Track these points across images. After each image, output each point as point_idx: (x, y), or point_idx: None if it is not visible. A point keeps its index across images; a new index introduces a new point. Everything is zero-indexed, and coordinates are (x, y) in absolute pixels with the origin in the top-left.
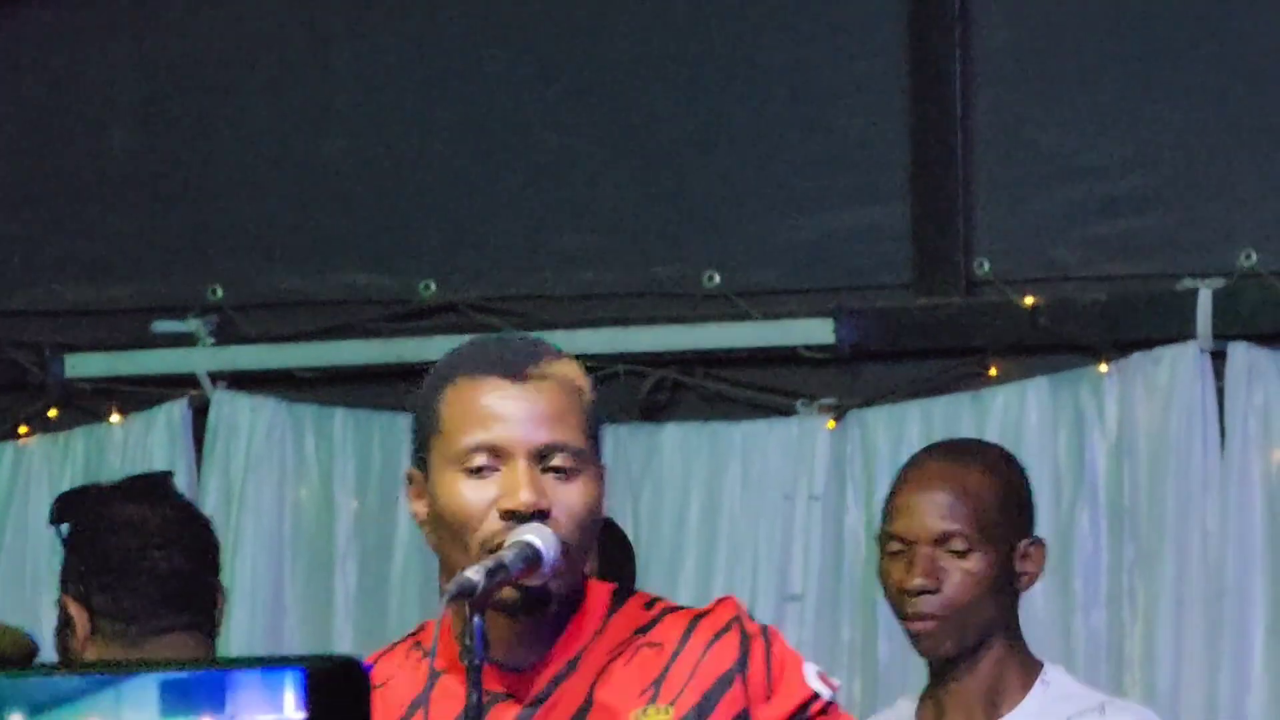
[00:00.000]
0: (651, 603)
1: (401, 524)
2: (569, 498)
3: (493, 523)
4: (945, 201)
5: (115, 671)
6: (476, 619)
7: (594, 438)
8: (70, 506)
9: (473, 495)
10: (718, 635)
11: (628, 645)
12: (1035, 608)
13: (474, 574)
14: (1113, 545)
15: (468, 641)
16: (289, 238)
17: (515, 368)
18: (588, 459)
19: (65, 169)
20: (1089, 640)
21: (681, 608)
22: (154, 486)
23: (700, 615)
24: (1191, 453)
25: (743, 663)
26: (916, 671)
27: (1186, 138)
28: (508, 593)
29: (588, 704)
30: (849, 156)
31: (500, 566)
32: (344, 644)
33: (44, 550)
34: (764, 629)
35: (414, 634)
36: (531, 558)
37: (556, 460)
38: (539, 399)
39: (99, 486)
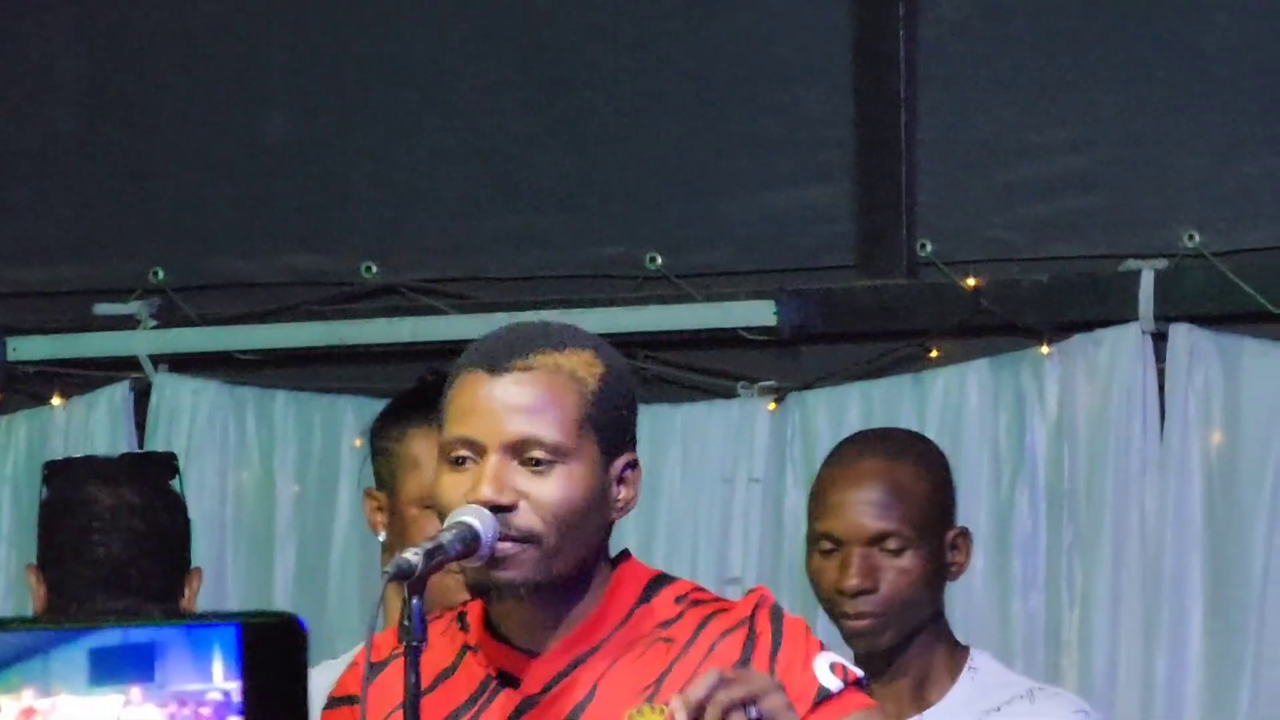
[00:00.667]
0: (683, 596)
1: (341, 508)
2: (541, 491)
3: None
4: (888, 183)
5: (47, 628)
6: (415, 600)
7: (597, 427)
8: (49, 477)
9: (451, 487)
10: (726, 632)
11: (649, 639)
12: (973, 590)
13: (412, 555)
14: (1051, 527)
15: (405, 623)
16: (230, 220)
17: (497, 360)
18: (572, 452)
19: (5, 150)
20: (1027, 622)
21: (707, 601)
22: (135, 467)
23: (719, 610)
24: (1131, 435)
25: (745, 660)
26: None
27: (1130, 119)
28: (466, 576)
29: (590, 697)
30: (792, 137)
31: (438, 547)
32: None
33: None
34: (777, 625)
35: (463, 606)
36: (469, 539)
37: (531, 453)
38: (515, 391)
39: (87, 460)
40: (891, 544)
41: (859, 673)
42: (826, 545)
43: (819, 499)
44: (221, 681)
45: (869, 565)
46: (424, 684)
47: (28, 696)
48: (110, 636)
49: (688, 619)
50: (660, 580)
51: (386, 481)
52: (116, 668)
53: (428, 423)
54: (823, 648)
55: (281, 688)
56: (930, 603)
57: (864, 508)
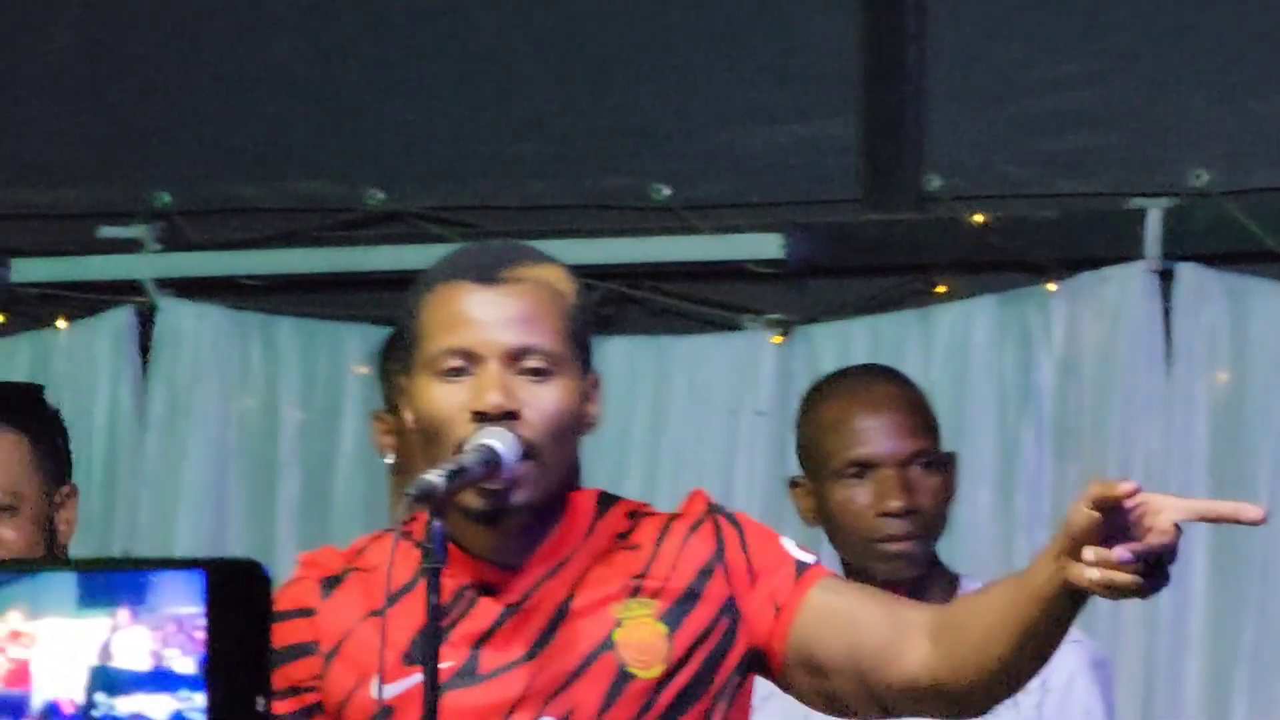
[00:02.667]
0: (634, 511)
1: (346, 434)
2: (541, 399)
3: (464, 425)
4: (896, 116)
5: (28, 570)
6: (437, 522)
7: (578, 343)
8: None
9: (445, 399)
10: (693, 528)
11: (610, 548)
12: (978, 526)
13: (434, 477)
14: (1056, 464)
15: (428, 545)
16: (237, 145)
17: (488, 272)
18: (565, 362)
19: (8, 70)
20: (1032, 558)
21: (658, 513)
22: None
23: (673, 516)
24: (1137, 373)
25: (720, 553)
26: None
27: (1140, 56)
28: (473, 501)
29: (566, 605)
30: (800, 69)
31: (460, 469)
32: (287, 552)
33: None
34: (733, 516)
35: (406, 523)
36: (491, 460)
37: (529, 362)
38: (511, 302)
39: None
40: (924, 461)
41: (814, 554)
42: (853, 471)
43: (840, 428)
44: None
45: (908, 484)
46: (379, 604)
47: (14, 619)
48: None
49: (645, 528)
50: (607, 496)
51: (396, 404)
52: (105, 591)
53: None
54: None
55: (246, 631)
56: (945, 526)
57: (896, 428)
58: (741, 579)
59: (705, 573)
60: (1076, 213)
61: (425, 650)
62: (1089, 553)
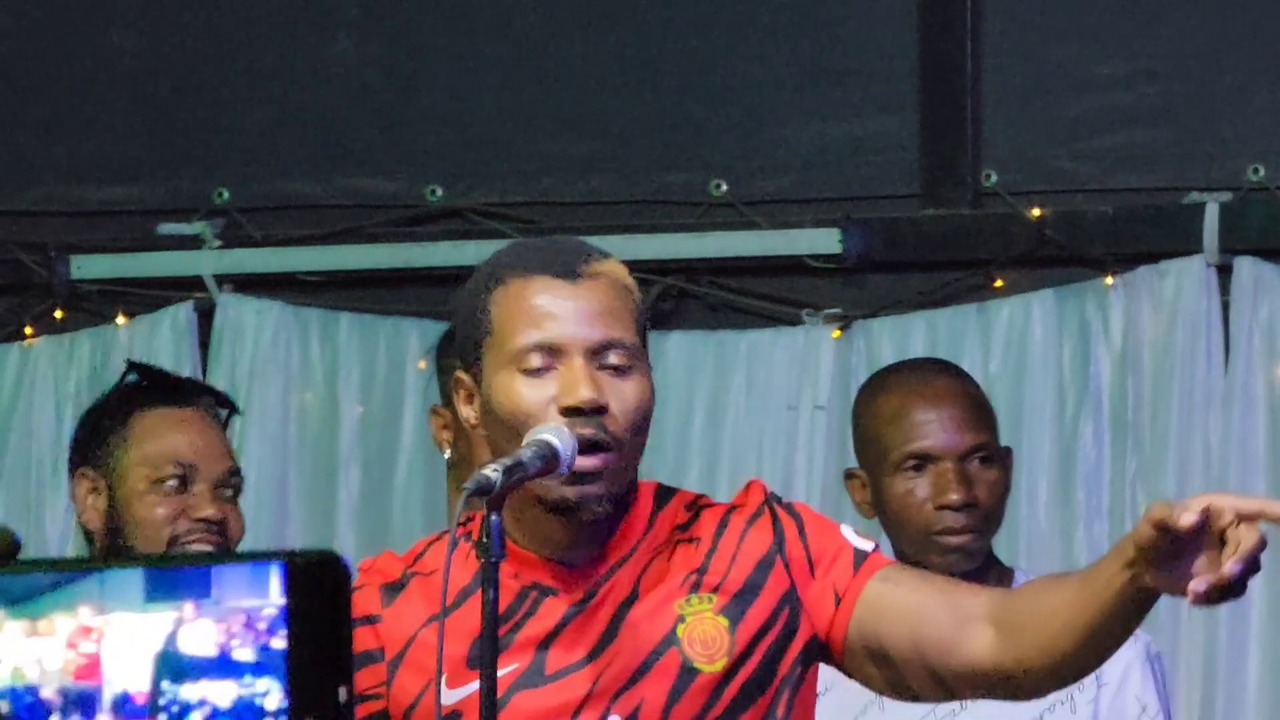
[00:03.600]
0: (692, 502)
1: (406, 430)
2: (624, 394)
3: (554, 420)
4: (954, 112)
5: (97, 567)
6: (494, 517)
7: (643, 337)
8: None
9: (531, 394)
10: (750, 521)
11: (669, 542)
12: (1038, 519)
13: (492, 472)
14: (1115, 458)
15: (484, 539)
16: (296, 141)
17: (567, 267)
18: (640, 357)
19: (72, 68)
20: (1090, 552)
21: (718, 504)
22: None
23: (731, 507)
24: (1195, 366)
25: (779, 544)
26: None
27: (1197, 51)
28: (549, 490)
29: (632, 597)
30: (858, 65)
31: (518, 464)
32: (347, 549)
33: (48, 451)
34: (791, 506)
35: (462, 524)
36: (549, 456)
37: (612, 358)
38: (593, 297)
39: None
40: (982, 455)
41: (873, 541)
42: (912, 464)
43: (899, 421)
44: (277, 598)
45: (967, 478)
46: (448, 601)
47: (84, 614)
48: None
49: (704, 520)
50: (664, 489)
51: (452, 399)
52: (171, 585)
53: None
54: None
55: (326, 624)
56: (1001, 520)
57: (955, 422)
58: (801, 569)
59: (765, 564)
60: (1134, 207)
61: (483, 647)
62: (1199, 583)
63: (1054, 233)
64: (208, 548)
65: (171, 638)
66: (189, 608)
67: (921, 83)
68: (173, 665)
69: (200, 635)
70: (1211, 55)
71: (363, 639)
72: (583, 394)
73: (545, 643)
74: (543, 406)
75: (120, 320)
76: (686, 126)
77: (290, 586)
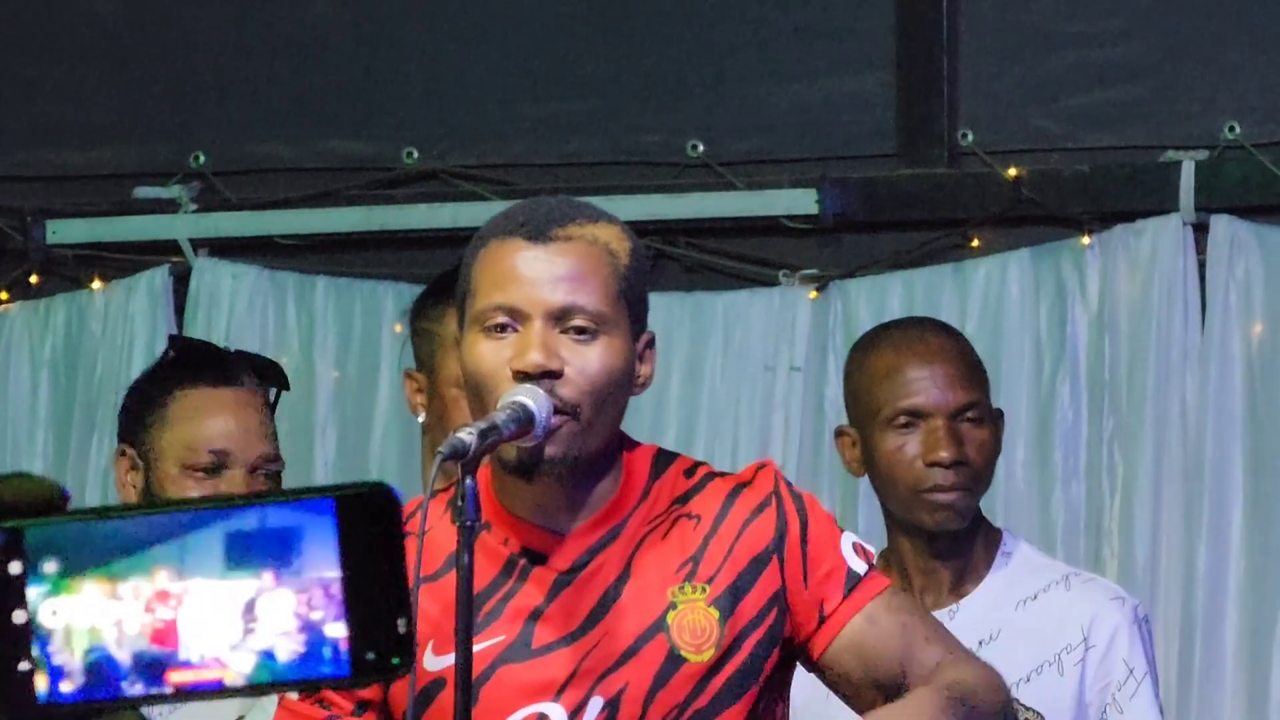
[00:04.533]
0: (692, 469)
1: (382, 393)
2: (584, 360)
3: (506, 383)
4: (930, 71)
5: (147, 513)
6: (469, 481)
7: (628, 302)
8: None
9: (490, 355)
10: (756, 511)
11: (666, 515)
12: (1015, 480)
13: (466, 435)
14: (1093, 418)
15: (459, 503)
16: (272, 104)
17: (538, 229)
18: (611, 322)
19: (48, 31)
20: (1068, 513)
21: (722, 474)
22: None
23: (740, 485)
24: (1172, 325)
25: (779, 541)
26: None
27: (1173, 9)
28: (507, 452)
29: (625, 576)
30: (834, 24)
31: (492, 427)
32: None
33: (24, 417)
34: (800, 500)
35: (450, 486)
36: (523, 419)
37: (574, 321)
38: (560, 260)
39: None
40: (973, 414)
41: (872, 549)
42: (903, 421)
43: (891, 378)
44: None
45: (957, 436)
46: (434, 568)
47: (162, 579)
48: (246, 520)
49: (708, 493)
50: (663, 454)
51: (426, 362)
52: (251, 551)
53: None
54: (840, 526)
55: (379, 556)
56: (990, 480)
57: (947, 380)
58: (795, 574)
59: (761, 560)
60: (1110, 166)
61: (458, 613)
62: None
63: (1030, 192)
64: None
65: (250, 605)
66: (268, 576)
67: (898, 42)
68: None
69: (279, 603)
70: (1188, 13)
71: None
72: (530, 358)
73: (534, 615)
74: (500, 367)
75: (96, 285)
76: (663, 87)
77: (340, 520)
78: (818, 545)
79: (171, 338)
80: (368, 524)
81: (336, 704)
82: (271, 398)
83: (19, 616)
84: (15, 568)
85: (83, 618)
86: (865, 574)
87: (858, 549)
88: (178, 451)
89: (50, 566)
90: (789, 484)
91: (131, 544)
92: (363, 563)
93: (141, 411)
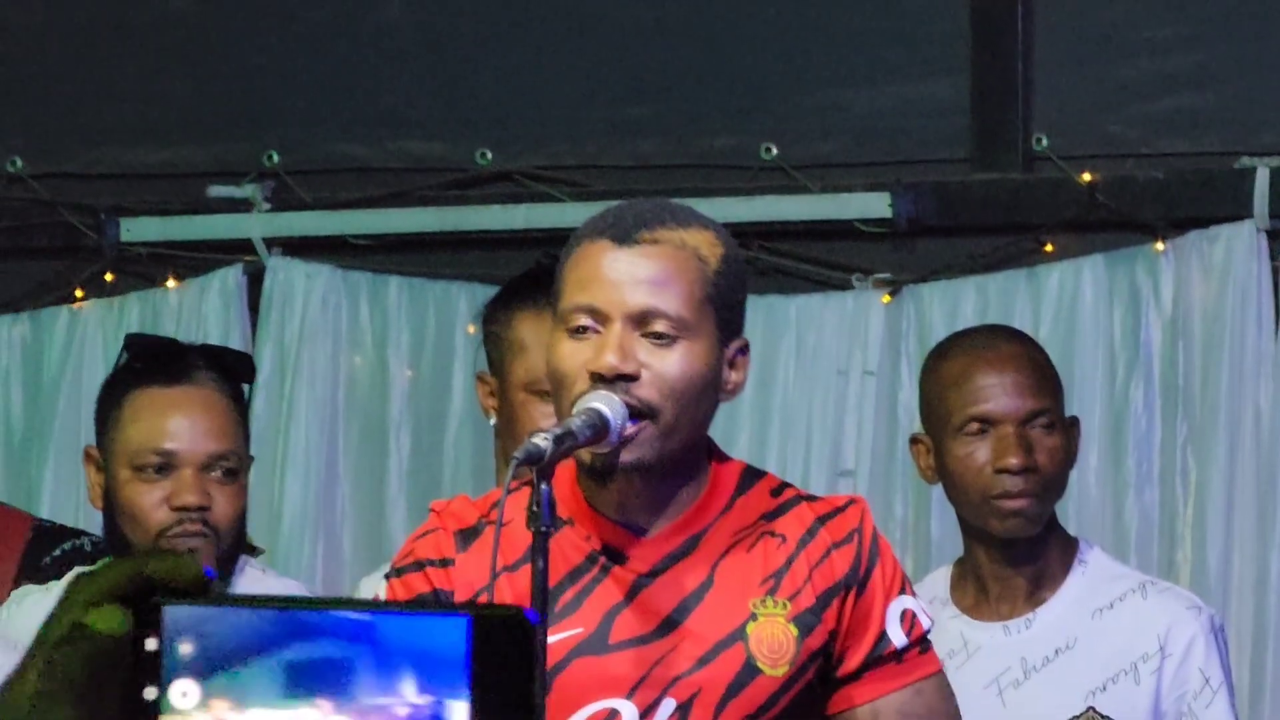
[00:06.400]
0: (779, 489)
1: (456, 393)
2: (663, 364)
3: (584, 383)
4: (1004, 76)
5: (286, 606)
6: (544, 486)
7: (716, 308)
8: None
9: (570, 355)
10: (839, 544)
11: (752, 531)
12: (1088, 486)
13: (541, 440)
14: (1166, 423)
15: (534, 508)
16: (346, 104)
17: (625, 232)
18: (694, 328)
19: (123, 31)
20: (1141, 519)
21: (809, 497)
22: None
23: (828, 515)
24: (1246, 332)
25: (851, 579)
26: None
27: (1247, 15)
28: (585, 456)
29: (708, 583)
30: (909, 29)
31: (568, 434)
32: (397, 513)
33: None
34: (877, 544)
35: (529, 481)
36: (599, 425)
37: (656, 326)
38: (643, 263)
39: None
40: (1044, 421)
41: (926, 624)
42: (974, 428)
43: (962, 385)
44: (414, 696)
45: (1028, 443)
46: (514, 558)
47: (219, 709)
48: (308, 647)
49: (795, 516)
50: (751, 471)
51: (496, 366)
52: (310, 679)
53: (537, 307)
54: (905, 586)
55: (511, 686)
56: (1064, 488)
57: (1017, 387)
58: (852, 621)
59: (834, 592)
60: (1184, 172)
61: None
62: None
63: (1104, 197)
64: (193, 538)
65: None
66: (326, 704)
67: (973, 46)
68: None
69: None
70: (1262, 20)
71: (436, 578)
72: (606, 360)
73: (613, 611)
74: (578, 368)
75: (170, 284)
76: (736, 89)
77: (475, 641)
78: (870, 592)
79: (128, 337)
80: (503, 647)
81: None
82: (240, 392)
83: (150, 693)
84: (151, 644)
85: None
86: (903, 651)
87: (906, 617)
88: (128, 453)
89: (186, 648)
90: (874, 527)
91: (263, 643)
92: (492, 686)
93: (103, 414)
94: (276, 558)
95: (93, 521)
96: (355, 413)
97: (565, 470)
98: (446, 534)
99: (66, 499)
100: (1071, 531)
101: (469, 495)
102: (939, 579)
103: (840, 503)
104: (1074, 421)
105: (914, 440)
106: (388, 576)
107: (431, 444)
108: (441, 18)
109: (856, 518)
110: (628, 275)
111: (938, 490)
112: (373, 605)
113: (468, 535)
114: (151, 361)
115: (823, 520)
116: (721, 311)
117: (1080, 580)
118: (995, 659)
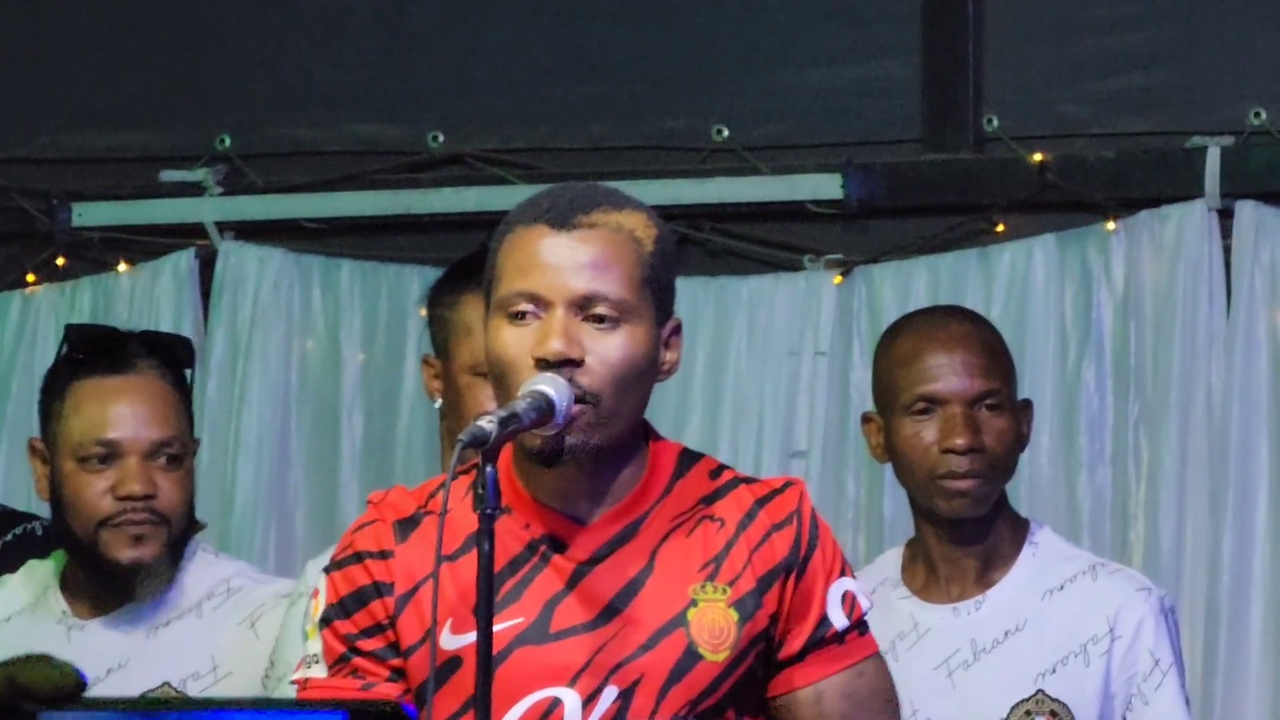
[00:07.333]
0: (718, 471)
1: (408, 377)
2: (606, 348)
3: (527, 369)
4: (955, 56)
5: (155, 709)
6: (490, 469)
7: (653, 289)
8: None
9: (512, 342)
10: (778, 526)
11: (691, 515)
12: (1040, 466)
13: (486, 423)
14: (1118, 403)
15: (479, 491)
16: (298, 88)
17: (562, 216)
18: (635, 310)
19: (75, 14)
20: (1093, 498)
21: (748, 479)
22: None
23: (766, 497)
24: (1197, 311)
25: (791, 561)
26: None
27: None
28: (530, 440)
29: (649, 570)
30: (860, 9)
31: (512, 416)
32: (350, 497)
33: None
34: (816, 529)
35: (471, 468)
36: (544, 408)
37: (597, 310)
38: (582, 248)
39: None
40: (992, 402)
41: (866, 606)
42: (921, 407)
43: (910, 364)
44: None
45: (974, 423)
46: (453, 547)
47: None
48: None
49: (733, 499)
50: (688, 454)
51: (441, 348)
52: None
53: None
54: (845, 568)
55: None
56: (1013, 470)
57: (966, 367)
58: (793, 604)
59: (774, 575)
60: (1135, 152)
61: (479, 600)
62: None
63: (1055, 177)
64: (140, 526)
65: None
66: None
67: (923, 27)
68: None
69: None
70: None
71: (376, 571)
72: (551, 346)
73: (554, 600)
74: (521, 355)
75: (122, 268)
76: (688, 71)
77: None
78: (811, 575)
79: (68, 328)
80: None
81: (371, 672)
82: (182, 377)
83: None
84: None
85: None
86: (844, 633)
87: (846, 599)
88: (71, 445)
89: None
90: (813, 509)
91: None
92: None
93: (46, 406)
94: (228, 541)
95: (45, 507)
96: (308, 396)
97: (502, 458)
98: (385, 525)
99: (19, 484)
100: (1024, 512)
101: (422, 478)
102: (890, 560)
103: (778, 484)
104: (1026, 404)
105: (865, 419)
106: (327, 570)
107: (384, 427)
108: (392, 1)
109: (795, 499)
110: (568, 260)
111: (890, 470)
112: (252, 703)
113: (406, 525)
114: (91, 351)
115: (761, 503)
116: (658, 293)
117: (1030, 561)
118: (945, 641)
